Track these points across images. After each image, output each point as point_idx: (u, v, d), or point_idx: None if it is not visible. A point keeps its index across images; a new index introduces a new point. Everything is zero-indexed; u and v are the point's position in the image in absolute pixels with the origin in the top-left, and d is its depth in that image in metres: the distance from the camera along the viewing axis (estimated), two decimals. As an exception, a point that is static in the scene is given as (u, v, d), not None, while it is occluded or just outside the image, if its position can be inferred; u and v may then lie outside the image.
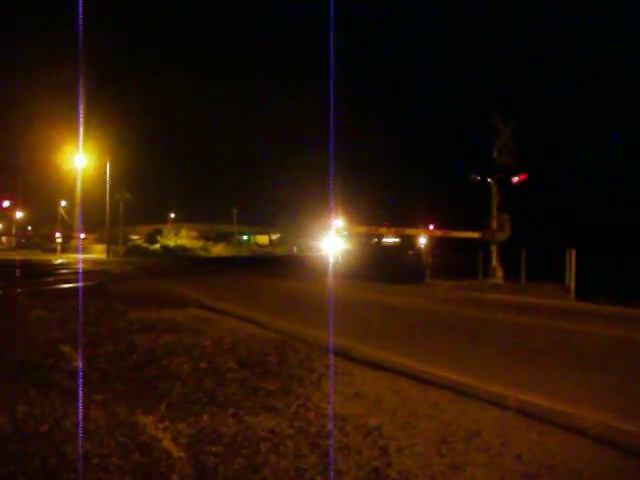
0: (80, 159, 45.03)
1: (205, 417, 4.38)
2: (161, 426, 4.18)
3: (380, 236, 37.84)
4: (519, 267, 17.70)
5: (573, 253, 15.06)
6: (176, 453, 3.68)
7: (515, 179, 19.38)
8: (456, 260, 22.38)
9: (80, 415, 4.35)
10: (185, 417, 4.37)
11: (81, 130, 37.60)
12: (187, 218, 74.29)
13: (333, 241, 27.43)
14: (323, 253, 35.49)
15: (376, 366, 6.09)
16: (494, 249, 19.66)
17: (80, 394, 4.93)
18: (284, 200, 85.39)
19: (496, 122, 19.76)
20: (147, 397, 4.90)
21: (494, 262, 19.50)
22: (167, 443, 3.85)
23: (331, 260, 26.61)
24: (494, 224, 19.77)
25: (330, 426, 4.17)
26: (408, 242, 35.11)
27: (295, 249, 72.95)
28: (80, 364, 6.17)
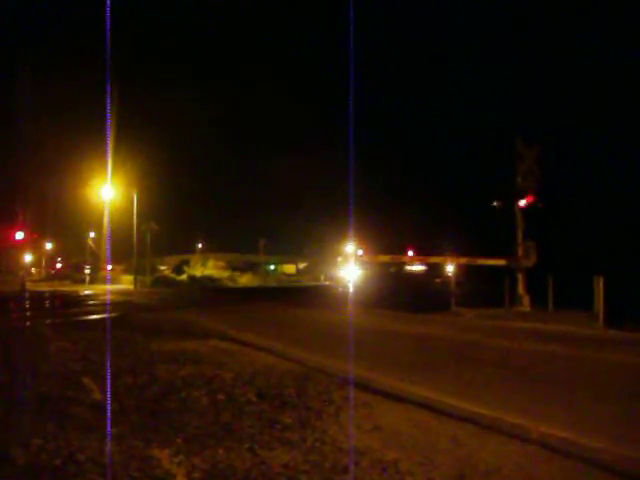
0: (108, 191, 45.77)
1: (220, 451, 4.32)
2: (176, 460, 4.14)
3: (403, 264, 37.61)
4: (546, 294, 17.34)
5: (601, 280, 14.75)
6: (189, 488, 3.63)
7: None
8: (482, 288, 22.11)
9: (95, 449, 4.34)
10: (201, 451, 4.32)
11: (109, 162, 38.30)
12: (215, 248, 74.82)
13: (353, 270, 27.37)
14: (346, 282, 35.47)
15: (396, 398, 5.99)
16: (520, 276, 19.34)
17: (97, 427, 4.92)
18: (310, 229, 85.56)
19: (520, 147, 19.59)
20: (164, 430, 4.87)
21: (520, 290, 19.17)
22: (180, 478, 3.80)
23: (352, 289, 26.46)
24: (520, 251, 19.50)
25: (346, 461, 4.09)
26: (435, 270, 34.81)
27: (322, 277, 72.81)
28: (99, 396, 6.18)
